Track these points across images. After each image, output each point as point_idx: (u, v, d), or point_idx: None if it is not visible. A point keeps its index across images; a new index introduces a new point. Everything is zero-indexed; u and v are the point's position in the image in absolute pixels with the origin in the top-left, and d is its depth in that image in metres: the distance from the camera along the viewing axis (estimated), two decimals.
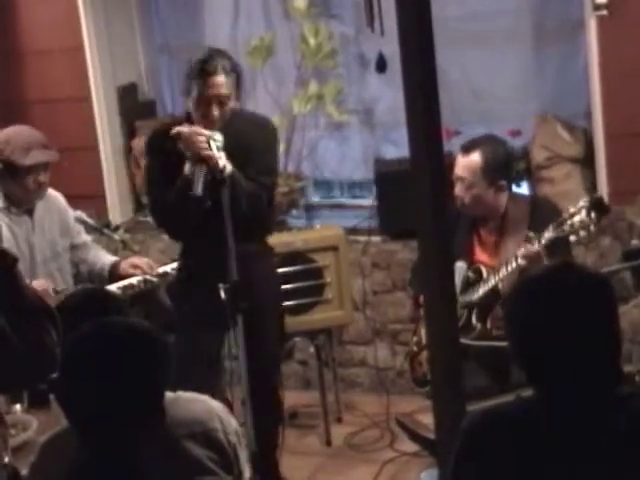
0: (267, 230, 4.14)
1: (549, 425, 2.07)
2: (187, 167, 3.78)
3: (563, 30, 4.95)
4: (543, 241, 3.67)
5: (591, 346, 2.07)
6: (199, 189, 3.71)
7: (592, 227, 3.57)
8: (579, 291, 2.11)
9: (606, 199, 4.68)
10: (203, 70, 3.79)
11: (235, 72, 3.85)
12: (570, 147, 4.91)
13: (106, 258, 4.45)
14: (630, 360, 4.28)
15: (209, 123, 3.81)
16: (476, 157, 3.92)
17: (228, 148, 3.79)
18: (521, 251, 3.72)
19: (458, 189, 3.95)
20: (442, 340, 2.41)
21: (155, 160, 4.00)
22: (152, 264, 4.35)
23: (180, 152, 3.80)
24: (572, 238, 3.60)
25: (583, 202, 3.60)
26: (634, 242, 4.41)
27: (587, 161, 4.87)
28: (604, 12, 4.55)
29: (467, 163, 3.93)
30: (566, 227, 3.60)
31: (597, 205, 3.58)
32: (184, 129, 3.81)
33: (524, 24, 5.04)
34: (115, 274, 4.36)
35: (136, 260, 4.36)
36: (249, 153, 3.88)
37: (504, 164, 4.00)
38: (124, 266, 4.34)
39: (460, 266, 3.94)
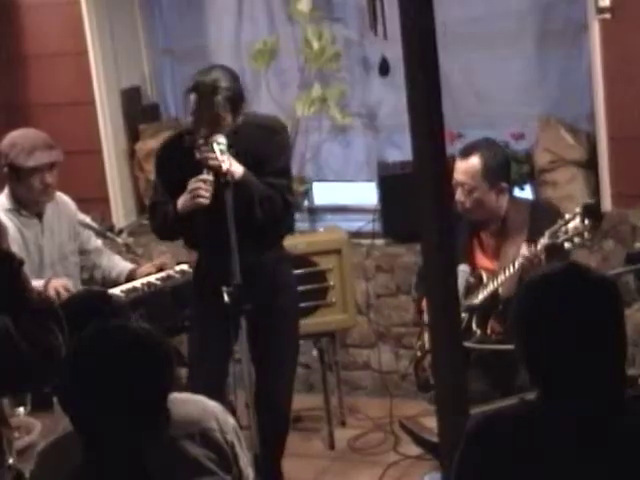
0: (284, 233, 4.12)
1: (552, 428, 2.07)
2: (205, 175, 3.77)
3: (566, 33, 4.94)
4: (539, 247, 3.67)
5: (597, 348, 2.07)
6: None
7: (586, 234, 3.57)
8: (586, 293, 2.11)
9: (609, 202, 4.71)
10: (196, 88, 3.76)
11: (233, 87, 3.79)
12: (573, 150, 4.90)
13: (123, 265, 4.47)
14: (633, 363, 4.27)
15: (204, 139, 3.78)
16: (475, 161, 3.92)
17: (241, 154, 3.79)
18: (523, 250, 3.72)
19: (459, 194, 3.94)
20: (445, 343, 2.41)
21: (162, 177, 4.01)
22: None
23: (191, 162, 3.78)
24: (567, 245, 3.60)
25: (578, 209, 3.60)
26: (638, 245, 4.40)
27: (590, 164, 4.87)
28: (607, 15, 4.55)
29: (467, 167, 3.93)
30: (561, 234, 3.61)
31: (591, 212, 3.58)
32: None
33: (527, 27, 5.04)
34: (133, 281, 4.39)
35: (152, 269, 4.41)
36: (262, 157, 3.87)
37: (503, 166, 4.00)
38: (141, 273, 4.38)
39: (463, 270, 3.93)
